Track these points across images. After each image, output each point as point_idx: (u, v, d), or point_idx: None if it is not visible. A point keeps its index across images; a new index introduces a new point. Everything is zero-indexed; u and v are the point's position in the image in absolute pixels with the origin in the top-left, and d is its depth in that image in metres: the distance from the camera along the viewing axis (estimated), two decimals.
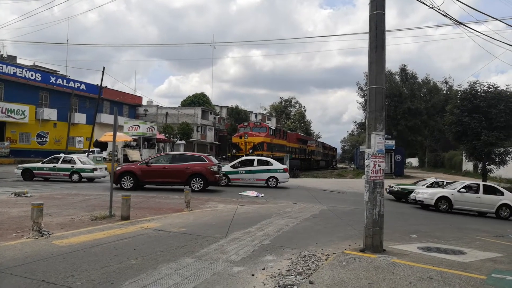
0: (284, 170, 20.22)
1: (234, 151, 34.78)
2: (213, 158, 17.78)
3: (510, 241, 9.86)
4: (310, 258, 6.11)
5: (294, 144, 45.58)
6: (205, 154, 18.68)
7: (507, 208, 15.87)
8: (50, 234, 7.04)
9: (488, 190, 16.28)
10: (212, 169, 16.34)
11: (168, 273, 5.05)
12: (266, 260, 5.94)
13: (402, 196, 19.21)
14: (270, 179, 19.82)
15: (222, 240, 7.23)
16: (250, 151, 33.16)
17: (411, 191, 17.97)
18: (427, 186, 18.54)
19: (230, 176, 19.78)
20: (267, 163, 20.35)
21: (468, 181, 17.62)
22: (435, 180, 20.12)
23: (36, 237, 6.78)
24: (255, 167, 19.94)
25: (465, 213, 16.23)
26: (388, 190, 19.72)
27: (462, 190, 16.10)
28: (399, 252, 6.76)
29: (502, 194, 16.11)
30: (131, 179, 15.90)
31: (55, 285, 4.48)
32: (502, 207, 15.88)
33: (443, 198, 15.91)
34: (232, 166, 20.23)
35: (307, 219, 10.49)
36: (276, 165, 20.38)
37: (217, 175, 16.61)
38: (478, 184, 16.57)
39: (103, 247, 6.36)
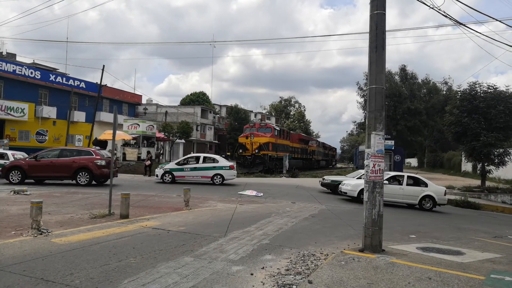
0: (230, 167, 19.98)
1: (240, 151, 35.64)
2: (103, 153, 17.79)
3: (509, 242, 9.87)
4: (309, 258, 6.12)
5: (297, 144, 46.43)
6: (94, 149, 18.72)
7: (430, 200, 15.89)
8: (49, 232, 7.04)
9: (412, 181, 16.33)
10: (98, 163, 16.37)
11: (167, 272, 5.05)
12: (265, 260, 5.95)
13: (332, 188, 19.10)
14: (216, 177, 19.64)
15: (221, 239, 7.24)
16: (256, 150, 33.96)
17: (340, 183, 17.83)
18: (357, 178, 18.02)
19: (175, 173, 19.66)
20: (213, 160, 20.25)
21: (393, 173, 17.46)
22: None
23: (35, 235, 6.78)
24: (200, 164, 19.83)
25: (462, 214, 16.23)
26: (320, 183, 19.76)
27: (385, 182, 15.86)
28: (398, 252, 6.77)
29: (426, 185, 16.12)
30: (19, 173, 16.11)
31: (54, 283, 4.48)
32: (425, 198, 15.90)
33: (167, 172, 16.67)
34: (177, 163, 20.14)
35: (306, 219, 10.50)
36: (222, 162, 20.27)
37: (105, 169, 16.45)
38: (403, 176, 16.55)
39: (102, 245, 6.37)
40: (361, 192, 15.44)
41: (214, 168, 19.77)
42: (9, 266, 5.03)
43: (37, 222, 6.94)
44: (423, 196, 15.93)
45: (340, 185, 17.30)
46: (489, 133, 22.62)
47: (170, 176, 19.57)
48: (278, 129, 39.30)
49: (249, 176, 29.90)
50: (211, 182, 19.65)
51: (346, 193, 16.28)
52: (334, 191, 18.96)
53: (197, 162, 20.00)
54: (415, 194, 16.03)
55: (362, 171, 17.84)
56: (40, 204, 7.02)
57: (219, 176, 19.68)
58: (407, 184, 16.17)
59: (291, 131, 51.72)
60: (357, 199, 15.50)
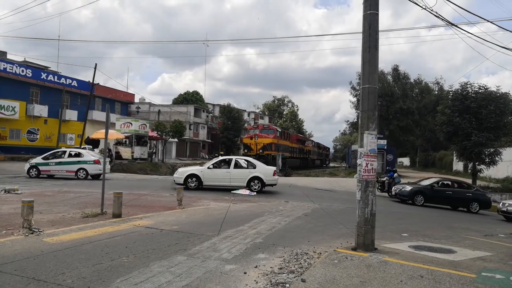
0: (95, 162, 19.74)
1: (245, 151, 38.17)
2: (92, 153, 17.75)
3: (500, 240, 9.99)
4: (302, 256, 6.13)
5: (295, 144, 48.89)
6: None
7: (258, 182, 16.12)
8: (41, 231, 6.98)
9: (241, 164, 16.60)
10: None
11: (160, 271, 5.04)
12: (259, 258, 5.95)
13: None
14: (80, 171, 19.58)
15: (215, 238, 7.23)
16: (260, 151, 36.39)
17: None
18: (208, 167, 17.33)
19: (41, 167, 19.44)
20: (78, 155, 20.09)
21: (222, 157, 17.88)
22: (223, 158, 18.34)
23: (27, 234, 6.71)
24: (65, 159, 19.72)
25: (453, 213, 16.36)
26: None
27: (211, 166, 16.47)
28: (390, 250, 6.81)
29: (254, 167, 16.36)
30: None
31: (46, 283, 4.44)
32: (253, 180, 16.08)
33: (192, 176, 16.19)
34: (44, 158, 19.91)
35: (299, 218, 10.52)
36: (87, 157, 20.05)
37: None
38: (231, 159, 16.84)
39: (94, 244, 6.33)
40: (187, 177, 16.14)
41: (78, 162, 19.65)
42: (0, 266, 4.98)
43: (28, 221, 6.87)
44: (251, 178, 16.11)
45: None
46: (480, 133, 22.87)
47: (35, 170, 19.27)
48: (279, 130, 41.95)
49: None
50: (76, 176, 19.43)
51: (174, 181, 16.59)
52: None
53: (63, 157, 19.83)
54: (243, 176, 16.23)
55: (214, 160, 17.79)
56: (32, 203, 6.96)
57: (83, 171, 19.53)
58: (235, 167, 16.34)
59: (292, 133, 53.40)
60: (185, 184, 15.94)
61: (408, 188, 18.62)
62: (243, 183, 16.26)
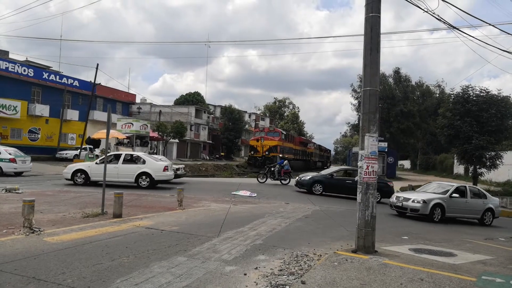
0: (10, 160, 18.99)
1: (252, 152, 39.99)
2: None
3: (500, 244, 9.98)
4: (303, 258, 6.13)
5: (298, 146, 50.36)
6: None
7: (147, 177, 16.00)
8: (41, 231, 6.99)
9: (130, 159, 16.51)
10: None
11: (160, 272, 5.04)
12: (259, 260, 5.95)
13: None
14: None
15: (215, 239, 7.23)
16: (266, 152, 38.10)
17: None
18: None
19: None
20: None
21: (114, 153, 17.76)
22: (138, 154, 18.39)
23: (27, 233, 6.72)
24: None
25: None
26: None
27: (98, 162, 16.36)
28: (390, 253, 6.81)
29: (144, 162, 16.25)
30: None
31: (46, 282, 4.45)
32: (142, 176, 15.98)
33: (79, 171, 16.06)
34: None
35: (299, 219, 10.52)
36: (4, 154, 19.03)
37: None
38: (120, 154, 16.69)
39: (95, 244, 6.33)
40: (75, 172, 16.04)
41: None
42: (0, 265, 4.98)
43: (29, 220, 6.88)
44: (140, 173, 15.98)
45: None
46: (481, 136, 22.87)
47: None
48: (284, 133, 43.68)
49: (242, 177, 29.95)
50: None
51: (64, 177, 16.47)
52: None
53: None
54: (131, 172, 16.06)
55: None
56: (32, 203, 6.97)
57: None
58: (124, 162, 16.21)
59: (296, 135, 54.49)
60: (72, 180, 16.01)
61: (307, 177, 18.59)
62: (132, 178, 16.01)
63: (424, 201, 13.02)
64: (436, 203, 13.14)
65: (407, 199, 13.45)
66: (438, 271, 5.71)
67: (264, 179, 22.10)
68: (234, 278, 4.98)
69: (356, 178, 18.61)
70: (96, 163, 16.37)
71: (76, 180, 16.13)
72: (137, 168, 16.06)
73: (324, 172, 19.67)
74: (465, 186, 14.57)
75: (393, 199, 14.34)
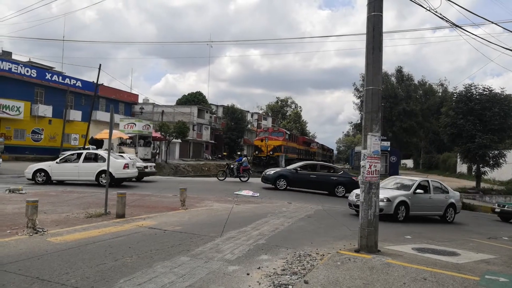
0: None
1: (256, 152, 40.73)
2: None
3: (503, 243, 9.94)
4: (305, 258, 6.13)
5: (302, 146, 51.21)
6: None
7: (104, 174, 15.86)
8: (45, 231, 7.01)
9: (90, 158, 16.53)
10: None
11: (163, 272, 5.05)
12: (261, 260, 5.95)
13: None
14: None
15: (218, 239, 7.24)
16: (271, 152, 38.61)
17: None
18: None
19: None
20: None
21: (78, 151, 17.88)
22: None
23: (31, 234, 6.75)
24: None
25: (456, 216, 16.29)
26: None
27: (58, 161, 16.45)
28: (393, 252, 6.80)
29: (104, 161, 15.97)
30: None
31: (50, 282, 4.47)
32: (101, 174, 15.93)
33: (40, 171, 16.02)
34: None
35: (302, 219, 10.51)
36: None
37: None
38: (81, 153, 16.79)
39: (98, 244, 6.35)
40: (36, 172, 15.94)
41: None
42: (4, 265, 5.00)
43: (32, 221, 6.91)
44: (100, 172, 15.94)
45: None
46: (484, 135, 22.78)
47: None
48: (288, 133, 44.63)
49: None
50: None
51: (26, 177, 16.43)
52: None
53: None
54: (91, 170, 16.09)
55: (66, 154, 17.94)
56: (36, 203, 6.99)
57: None
58: (85, 161, 16.22)
59: (299, 135, 54.95)
60: (33, 180, 15.94)
61: (272, 172, 18.61)
62: (92, 177, 16.06)
63: (388, 199, 11.54)
64: (401, 201, 11.85)
65: None
66: (441, 270, 5.70)
67: (223, 177, 22.08)
68: (237, 278, 4.99)
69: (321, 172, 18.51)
70: (56, 162, 16.48)
71: (37, 179, 16.07)
72: (97, 167, 16.11)
73: (290, 167, 19.75)
74: (428, 181, 13.31)
75: (352, 197, 12.46)
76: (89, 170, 16.08)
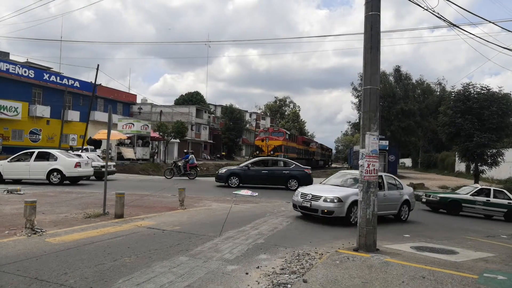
0: None
1: (257, 152, 40.94)
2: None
3: (502, 241, 9.97)
4: (304, 257, 6.14)
5: (301, 146, 51.57)
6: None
7: (58, 174, 16.05)
8: (43, 231, 7.00)
9: (42, 156, 16.57)
10: None
11: (162, 271, 5.05)
12: (260, 259, 5.96)
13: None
14: None
15: (216, 239, 7.24)
16: (271, 152, 38.85)
17: None
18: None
19: None
20: None
21: (30, 151, 17.60)
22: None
23: (29, 234, 6.74)
24: None
25: (455, 214, 16.33)
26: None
27: (10, 160, 16.48)
28: (392, 251, 6.81)
29: (56, 159, 16.24)
30: None
31: (48, 283, 4.46)
32: (53, 172, 16.03)
33: None
34: None
35: (301, 218, 10.51)
36: None
37: None
38: (33, 152, 16.74)
39: (97, 245, 6.35)
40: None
41: None
42: (2, 266, 5.00)
43: (31, 221, 6.90)
44: (51, 170, 16.03)
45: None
46: (482, 133, 22.81)
47: None
48: (288, 133, 45.17)
49: None
50: None
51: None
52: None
53: None
54: (42, 169, 16.15)
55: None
56: (34, 204, 6.98)
57: None
58: (36, 159, 16.23)
59: (299, 135, 55.28)
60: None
61: (224, 170, 18.71)
62: (43, 175, 16.12)
63: (339, 200, 9.74)
64: (354, 201, 9.59)
65: (317, 198, 10.00)
66: (439, 268, 5.71)
67: (171, 176, 21.96)
68: (236, 277, 4.99)
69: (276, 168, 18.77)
70: (8, 161, 16.49)
71: None
72: (48, 165, 16.16)
73: (242, 164, 19.89)
74: (381, 176, 11.31)
75: (297, 197, 10.59)
76: (39, 169, 16.12)
